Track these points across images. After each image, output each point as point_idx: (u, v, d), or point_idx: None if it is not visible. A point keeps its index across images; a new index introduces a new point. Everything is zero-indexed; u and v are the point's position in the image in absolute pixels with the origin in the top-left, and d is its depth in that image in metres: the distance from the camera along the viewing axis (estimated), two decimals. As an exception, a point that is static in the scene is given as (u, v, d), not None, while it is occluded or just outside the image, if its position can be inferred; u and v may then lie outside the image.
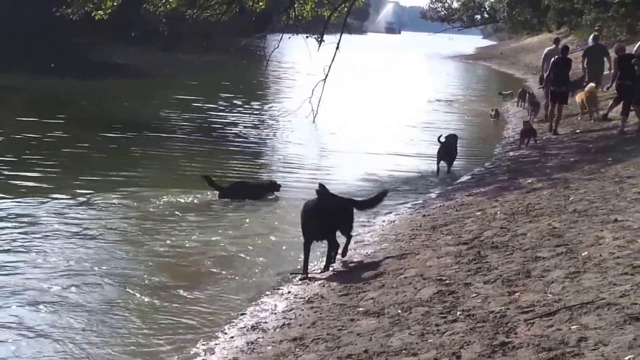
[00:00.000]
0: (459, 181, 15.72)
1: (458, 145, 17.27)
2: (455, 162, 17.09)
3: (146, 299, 8.46)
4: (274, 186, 14.27)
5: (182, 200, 13.13)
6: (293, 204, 12.62)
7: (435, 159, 16.74)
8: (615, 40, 37.83)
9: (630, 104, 17.91)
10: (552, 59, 21.13)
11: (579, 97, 21.78)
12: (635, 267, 6.86)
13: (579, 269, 7.25)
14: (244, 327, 7.60)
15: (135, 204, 12.88)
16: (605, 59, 22.72)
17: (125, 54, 44.14)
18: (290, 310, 7.91)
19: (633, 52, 19.54)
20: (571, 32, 58.85)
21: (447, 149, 16.80)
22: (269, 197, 14.03)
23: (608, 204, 10.23)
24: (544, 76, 22.21)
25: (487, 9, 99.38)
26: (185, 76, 38.63)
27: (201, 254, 10.32)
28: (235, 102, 28.46)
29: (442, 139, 16.93)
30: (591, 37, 25.86)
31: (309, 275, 9.11)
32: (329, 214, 9.21)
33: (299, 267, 9.44)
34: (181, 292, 8.74)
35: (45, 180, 14.28)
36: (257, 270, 9.63)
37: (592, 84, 21.33)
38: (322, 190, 9.45)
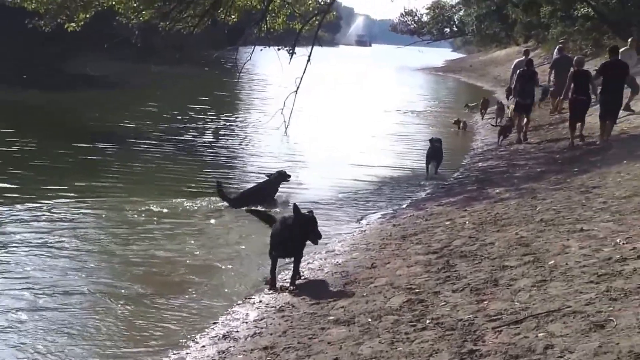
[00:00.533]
0: (428, 191, 15.74)
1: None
2: (423, 173, 17.43)
3: (118, 308, 8.38)
4: (283, 176, 14.53)
5: (155, 210, 13.01)
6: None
7: (425, 161, 17.82)
8: (581, 53, 38.21)
9: (582, 118, 18.51)
10: (518, 71, 21.64)
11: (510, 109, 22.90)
12: (600, 276, 6.90)
13: (545, 277, 7.28)
14: (216, 336, 7.56)
15: (108, 213, 12.81)
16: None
17: (98, 65, 43.85)
18: (262, 319, 7.87)
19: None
20: (538, 46, 59.32)
21: (435, 151, 17.72)
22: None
23: (574, 213, 10.30)
24: (511, 87, 22.48)
25: (456, 22, 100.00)
26: (158, 87, 38.48)
27: (173, 262, 10.26)
28: (207, 113, 28.39)
29: (431, 140, 18.07)
30: (556, 49, 26.19)
31: (280, 285, 9.06)
32: (304, 231, 9.11)
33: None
34: (153, 300, 8.68)
35: (17, 191, 14.08)
36: (229, 279, 9.59)
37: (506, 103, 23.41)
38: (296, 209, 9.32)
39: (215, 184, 13.99)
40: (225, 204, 13.63)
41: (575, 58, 20.31)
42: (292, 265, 9.19)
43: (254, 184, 15.10)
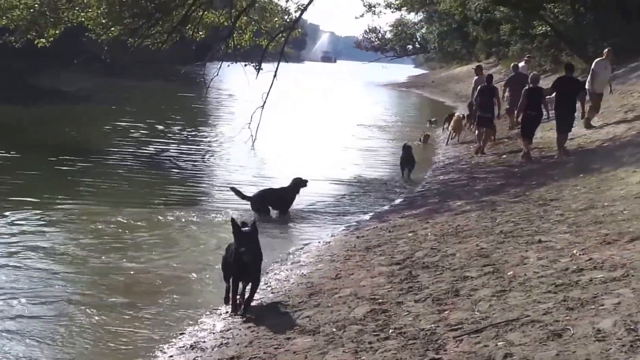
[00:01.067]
0: (391, 203, 15.77)
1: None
2: (387, 186, 17.59)
3: (85, 318, 8.31)
4: (301, 183, 14.85)
5: (124, 221, 12.96)
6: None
7: (400, 166, 19.24)
8: (541, 69, 38.61)
9: (533, 132, 19.04)
10: (479, 87, 22.12)
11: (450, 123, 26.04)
12: (557, 286, 6.97)
13: (505, 287, 7.34)
14: (183, 347, 7.51)
15: (77, 224, 12.81)
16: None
17: (68, 80, 43.50)
18: (228, 330, 7.84)
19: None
20: (499, 62, 59.78)
21: (408, 157, 19.02)
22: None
23: (532, 225, 10.40)
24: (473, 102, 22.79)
25: (419, 39, 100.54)
26: (127, 102, 38.20)
27: (142, 272, 10.22)
28: (175, 128, 28.32)
29: (404, 147, 19.52)
30: (512, 66, 26.56)
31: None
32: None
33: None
34: (121, 310, 8.63)
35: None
36: (197, 290, 9.57)
37: (459, 114, 25.28)
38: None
39: (230, 188, 14.53)
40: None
41: (531, 75, 20.61)
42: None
43: (272, 187, 15.44)
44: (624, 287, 6.54)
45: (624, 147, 16.81)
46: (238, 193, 14.32)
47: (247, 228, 8.33)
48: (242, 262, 8.12)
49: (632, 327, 5.52)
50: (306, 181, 14.99)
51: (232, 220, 8.48)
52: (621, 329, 5.52)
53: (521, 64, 27.83)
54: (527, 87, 19.45)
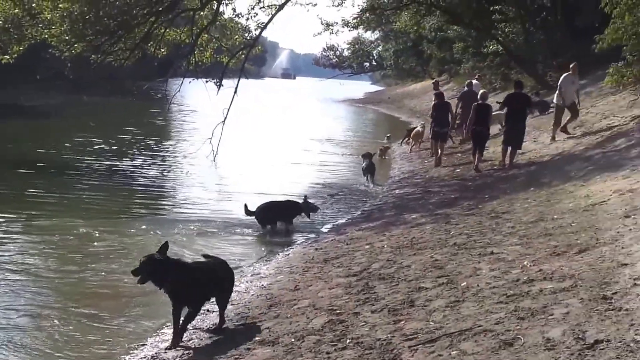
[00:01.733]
0: (349, 216, 15.78)
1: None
2: (345, 199, 17.59)
3: (49, 328, 8.27)
4: (309, 207, 15.05)
5: (86, 233, 12.89)
6: (194, 240, 12.83)
7: (363, 174, 20.89)
8: (491, 87, 39.05)
9: (483, 146, 19.56)
10: (433, 103, 22.77)
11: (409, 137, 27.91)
12: (509, 296, 7.02)
13: (458, 298, 7.38)
14: (144, 357, 7.47)
15: (42, 238, 12.66)
16: None
17: (32, 96, 43.01)
18: (190, 340, 7.80)
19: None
20: (451, 79, 60.27)
21: (370, 165, 20.35)
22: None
23: (485, 237, 10.47)
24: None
25: (375, 57, 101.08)
26: (90, 118, 37.80)
27: (104, 284, 10.18)
28: (137, 143, 28.04)
29: (364, 155, 21.31)
30: (466, 83, 26.91)
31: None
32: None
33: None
34: (84, 321, 8.58)
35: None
36: (159, 301, 9.47)
37: (419, 128, 27.14)
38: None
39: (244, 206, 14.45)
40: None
41: (480, 92, 21.05)
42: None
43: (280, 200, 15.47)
44: (573, 297, 6.60)
45: (572, 161, 17.01)
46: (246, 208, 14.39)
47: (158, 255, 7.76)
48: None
49: (580, 336, 5.57)
50: (318, 208, 15.43)
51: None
52: (569, 338, 5.58)
53: (475, 82, 28.12)
54: (476, 104, 19.87)
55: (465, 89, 26.07)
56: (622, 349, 5.25)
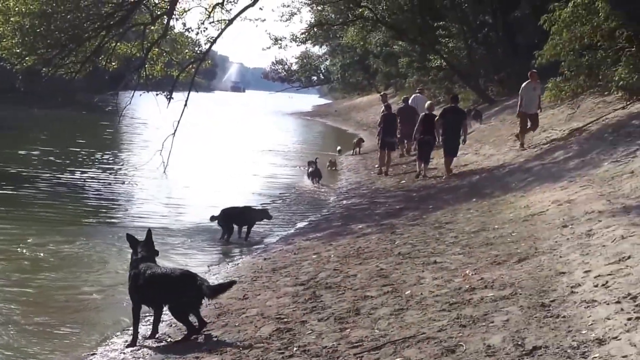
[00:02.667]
0: (297, 227, 15.75)
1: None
2: (293, 210, 17.64)
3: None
4: (266, 214, 15.27)
5: (36, 244, 12.64)
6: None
7: (308, 177, 22.66)
8: (436, 100, 39.46)
9: (429, 154, 20.50)
10: (382, 114, 23.56)
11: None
12: (452, 304, 7.08)
13: (402, 306, 7.41)
14: (94, 367, 7.37)
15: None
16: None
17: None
18: (139, 350, 7.70)
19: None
20: (397, 93, 60.69)
21: (315, 170, 21.77)
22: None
23: (429, 247, 10.55)
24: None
25: (323, 71, 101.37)
26: (41, 131, 37.23)
27: (54, 293, 10.04)
28: (88, 155, 27.68)
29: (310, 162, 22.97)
30: (403, 99, 27.38)
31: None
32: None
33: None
34: (33, 330, 8.47)
35: None
36: (108, 310, 9.40)
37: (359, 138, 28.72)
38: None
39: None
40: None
41: (427, 103, 22.01)
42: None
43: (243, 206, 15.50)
44: (512, 304, 6.68)
45: (512, 173, 17.23)
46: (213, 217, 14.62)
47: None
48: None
49: (519, 342, 5.65)
50: (270, 217, 15.42)
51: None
52: (509, 345, 5.64)
53: (419, 95, 28.42)
54: (423, 114, 20.65)
55: (403, 104, 26.33)
56: (560, 354, 5.33)
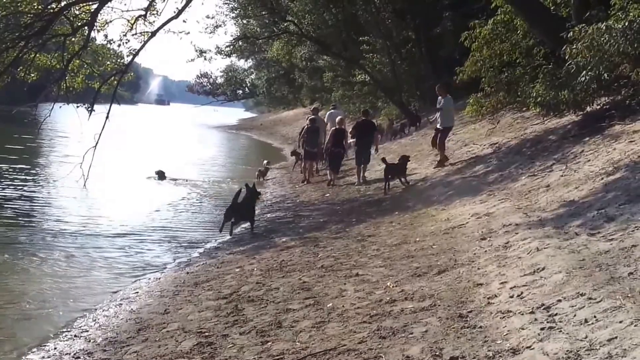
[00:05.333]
0: (220, 240, 15.65)
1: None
2: (216, 224, 17.53)
3: None
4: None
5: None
6: (61, 264, 12.43)
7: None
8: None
9: (339, 165, 23.09)
10: (304, 127, 25.26)
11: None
12: (372, 316, 7.15)
13: (324, 318, 7.46)
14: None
15: None
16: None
17: None
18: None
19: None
20: (322, 107, 61.02)
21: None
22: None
23: (351, 260, 10.63)
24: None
25: (249, 84, 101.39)
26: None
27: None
28: (5, 168, 27.03)
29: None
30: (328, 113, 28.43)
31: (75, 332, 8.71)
32: None
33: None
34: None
35: None
36: (22, 325, 9.20)
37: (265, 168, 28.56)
38: None
39: None
40: None
41: (337, 119, 23.74)
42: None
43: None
44: (431, 316, 6.79)
45: (434, 186, 17.51)
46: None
47: None
48: None
49: (437, 353, 5.75)
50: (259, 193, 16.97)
51: None
52: (428, 355, 5.74)
53: (332, 111, 29.46)
54: (333, 128, 22.94)
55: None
56: (476, 364, 5.44)
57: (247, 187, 16.33)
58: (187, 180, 26.29)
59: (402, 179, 19.22)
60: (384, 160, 20.00)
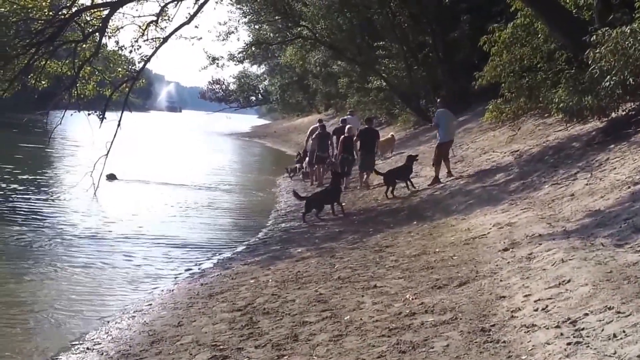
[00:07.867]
0: (235, 251, 15.64)
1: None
2: (230, 234, 17.57)
3: None
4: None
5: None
6: (74, 274, 12.42)
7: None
8: (378, 121, 39.89)
9: (350, 171, 23.59)
10: (316, 133, 26.07)
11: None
12: (391, 330, 7.10)
13: (342, 332, 7.41)
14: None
15: None
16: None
17: None
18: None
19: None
20: (337, 114, 60.95)
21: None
22: None
23: (369, 271, 10.58)
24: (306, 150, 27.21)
25: (262, 91, 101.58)
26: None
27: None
28: (17, 176, 27.14)
29: None
30: (340, 120, 28.63)
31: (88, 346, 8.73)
32: None
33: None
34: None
35: None
36: (26, 341, 9.23)
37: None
38: None
39: None
40: None
41: (347, 127, 24.17)
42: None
43: None
44: (453, 329, 6.74)
45: (453, 196, 17.40)
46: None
47: None
48: None
49: (459, 368, 5.69)
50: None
51: None
52: (450, 370, 5.68)
53: (349, 117, 29.88)
54: (343, 136, 23.69)
55: (340, 124, 27.76)
56: (500, 380, 5.38)
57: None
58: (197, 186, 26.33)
59: (408, 182, 19.83)
60: (376, 172, 21.78)
